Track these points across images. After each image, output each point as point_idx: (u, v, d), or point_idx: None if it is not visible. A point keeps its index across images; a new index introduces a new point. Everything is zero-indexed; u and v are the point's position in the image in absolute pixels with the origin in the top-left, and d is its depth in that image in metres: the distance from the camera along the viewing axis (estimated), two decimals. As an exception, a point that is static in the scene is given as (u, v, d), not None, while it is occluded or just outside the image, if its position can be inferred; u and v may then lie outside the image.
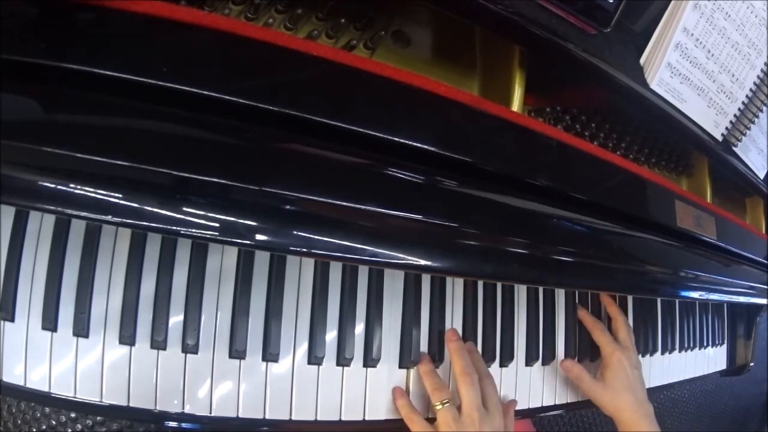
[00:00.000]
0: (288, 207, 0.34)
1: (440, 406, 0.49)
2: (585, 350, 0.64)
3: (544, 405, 0.60)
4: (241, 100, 0.33)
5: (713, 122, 0.58)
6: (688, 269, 0.59)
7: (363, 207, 0.36)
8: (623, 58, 0.49)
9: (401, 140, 0.38)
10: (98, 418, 0.71)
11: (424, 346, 0.52)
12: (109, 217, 0.30)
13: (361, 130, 0.37)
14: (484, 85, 0.54)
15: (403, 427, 0.50)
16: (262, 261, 0.46)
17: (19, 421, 0.69)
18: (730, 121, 0.60)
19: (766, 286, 0.73)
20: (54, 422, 0.70)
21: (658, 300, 0.76)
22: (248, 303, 0.45)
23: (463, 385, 0.49)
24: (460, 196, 0.41)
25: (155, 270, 0.43)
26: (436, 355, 0.53)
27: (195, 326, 0.43)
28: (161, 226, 0.31)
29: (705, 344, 0.85)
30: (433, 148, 0.40)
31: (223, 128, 0.33)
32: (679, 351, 0.80)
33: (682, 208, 0.59)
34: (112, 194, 0.30)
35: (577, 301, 0.65)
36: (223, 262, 0.45)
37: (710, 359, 0.87)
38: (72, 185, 0.29)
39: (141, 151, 0.31)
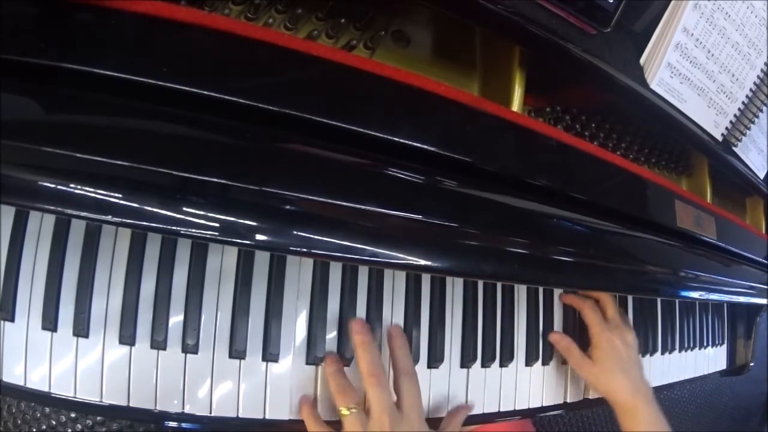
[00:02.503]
0: (288, 207, 0.34)
1: (346, 412, 0.44)
2: (584, 348, 0.64)
3: (544, 405, 0.60)
4: (241, 100, 0.33)
5: (713, 122, 0.58)
6: (688, 269, 0.59)
7: (363, 207, 0.36)
8: (623, 58, 0.49)
9: (401, 140, 0.38)
10: (98, 418, 0.71)
11: (424, 346, 0.52)
12: (109, 217, 0.30)
13: (361, 130, 0.37)
14: (484, 85, 0.54)
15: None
16: (262, 261, 0.46)
17: (19, 421, 0.69)
18: (730, 121, 0.60)
19: (766, 286, 0.73)
20: (54, 422, 0.70)
21: (658, 300, 0.76)
22: (248, 303, 0.45)
23: (369, 387, 0.44)
24: (460, 196, 0.41)
25: (155, 270, 0.43)
26: (437, 355, 0.53)
27: (195, 326, 0.43)
28: (161, 226, 0.31)
29: (705, 344, 0.85)
30: (433, 148, 0.40)
31: (223, 128, 0.33)
32: (679, 351, 0.80)
33: (682, 208, 0.59)
34: (112, 194, 0.30)
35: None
36: (223, 262, 0.45)
37: (710, 359, 0.87)
38: (72, 185, 0.29)
39: (141, 151, 0.31)
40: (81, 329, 0.41)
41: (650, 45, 0.51)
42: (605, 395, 0.57)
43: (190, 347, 0.43)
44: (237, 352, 0.44)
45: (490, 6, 0.39)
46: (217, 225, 0.32)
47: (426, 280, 0.53)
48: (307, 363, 0.47)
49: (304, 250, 0.35)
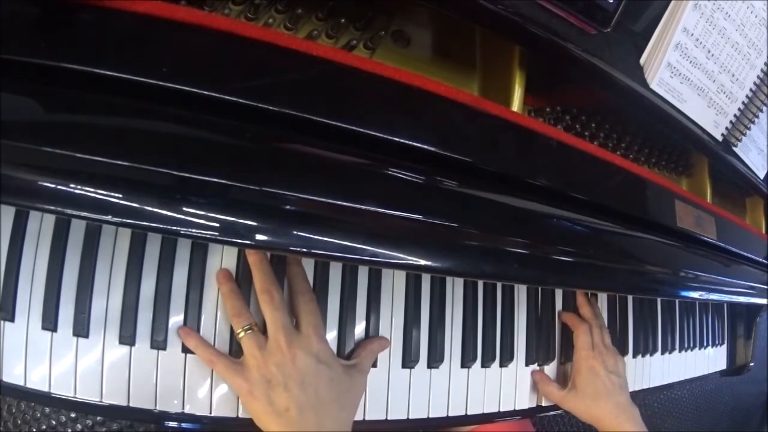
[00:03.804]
0: (288, 207, 0.34)
1: (243, 334, 0.42)
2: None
3: (544, 405, 0.60)
4: (241, 100, 0.33)
5: (713, 122, 0.58)
6: (688, 269, 0.59)
7: (363, 207, 0.36)
8: (623, 58, 0.49)
9: (401, 140, 0.38)
10: (98, 418, 0.71)
11: (424, 346, 0.52)
12: (109, 217, 0.30)
13: (361, 130, 0.37)
14: (484, 85, 0.54)
15: (405, 426, 0.50)
16: (262, 261, 0.46)
17: (19, 421, 0.69)
18: (730, 121, 0.60)
19: (766, 286, 0.73)
20: (54, 422, 0.70)
21: (658, 300, 0.76)
22: (248, 303, 0.45)
23: (263, 305, 0.42)
24: (460, 196, 0.41)
25: (155, 270, 0.43)
26: (437, 355, 0.53)
27: (195, 326, 0.43)
28: (161, 226, 0.31)
29: (705, 344, 0.85)
30: (433, 148, 0.40)
31: (223, 128, 0.33)
32: (679, 351, 0.80)
33: (682, 208, 0.59)
34: (112, 194, 0.30)
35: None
36: (223, 262, 0.45)
37: (710, 359, 0.87)
38: (72, 185, 0.29)
39: (141, 151, 0.31)
40: (81, 329, 0.41)
41: (650, 45, 0.51)
42: (592, 422, 0.57)
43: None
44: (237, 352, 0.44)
45: (490, 6, 0.39)
46: (217, 225, 0.32)
47: (426, 280, 0.53)
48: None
49: (304, 250, 0.35)
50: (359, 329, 0.49)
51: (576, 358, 0.58)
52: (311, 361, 0.41)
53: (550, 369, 0.61)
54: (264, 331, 0.43)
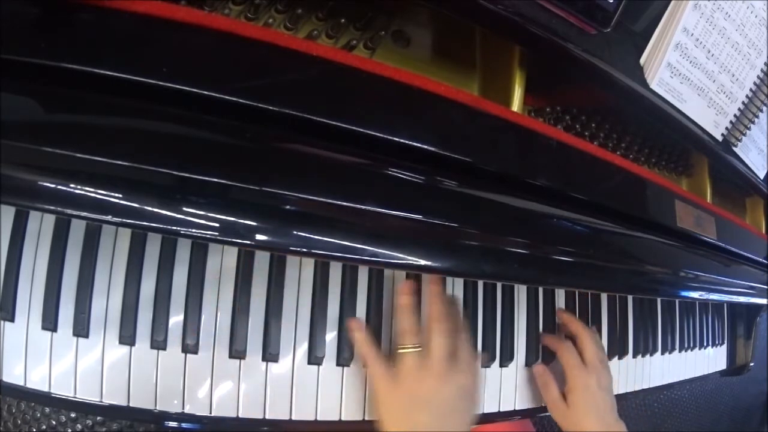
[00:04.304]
0: (288, 207, 0.34)
1: (411, 349, 0.45)
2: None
3: (543, 405, 0.60)
4: (241, 100, 0.33)
5: (713, 122, 0.58)
6: (688, 269, 0.59)
7: (363, 207, 0.36)
8: (623, 58, 0.49)
9: (401, 140, 0.38)
10: (98, 418, 0.71)
11: (424, 346, 0.52)
12: (109, 217, 0.30)
13: (361, 130, 0.37)
14: (484, 85, 0.54)
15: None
16: (262, 261, 0.46)
17: (19, 421, 0.69)
18: (730, 121, 0.60)
19: (766, 286, 0.73)
20: (54, 422, 0.70)
21: (658, 300, 0.76)
22: (248, 303, 0.45)
23: (434, 332, 0.45)
24: (460, 196, 0.41)
25: (155, 270, 0.43)
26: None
27: (195, 326, 0.43)
28: (161, 226, 0.31)
29: (705, 344, 0.85)
30: (433, 148, 0.40)
31: (223, 128, 0.33)
32: (679, 351, 0.80)
33: (682, 208, 0.59)
34: (112, 194, 0.30)
35: (576, 301, 0.65)
36: (223, 262, 0.45)
37: (710, 359, 0.87)
38: (72, 185, 0.29)
39: (141, 151, 0.31)
40: (81, 329, 0.41)
41: (650, 45, 0.51)
42: None
43: (190, 347, 0.43)
44: (237, 352, 0.44)
45: (490, 6, 0.39)
46: (217, 225, 0.32)
47: (426, 280, 0.53)
48: (308, 363, 0.47)
49: (304, 250, 0.35)
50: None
51: (568, 376, 0.57)
52: (457, 394, 0.45)
53: (551, 369, 0.61)
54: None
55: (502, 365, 0.57)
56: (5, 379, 0.40)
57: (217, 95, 0.33)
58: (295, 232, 0.35)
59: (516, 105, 0.48)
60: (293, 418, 0.46)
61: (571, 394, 0.56)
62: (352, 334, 0.47)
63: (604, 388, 0.56)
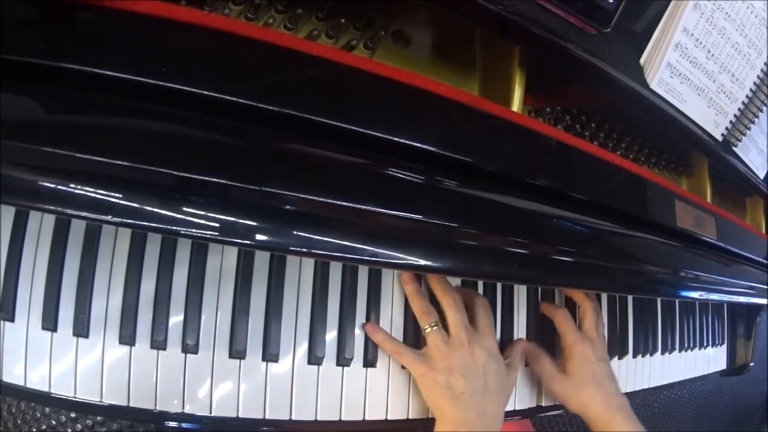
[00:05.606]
0: (288, 207, 0.34)
1: (429, 330, 0.48)
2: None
3: (544, 405, 0.60)
4: (241, 100, 0.33)
5: (713, 122, 0.58)
6: (688, 269, 0.59)
7: (363, 207, 0.36)
8: (623, 58, 0.49)
9: (401, 140, 0.38)
10: (98, 418, 0.71)
11: (424, 346, 0.52)
12: (109, 217, 0.30)
13: (361, 130, 0.37)
14: (484, 85, 0.54)
15: (403, 427, 0.50)
16: (262, 261, 0.46)
17: (19, 421, 0.69)
18: (730, 121, 0.60)
19: (766, 286, 0.73)
20: (54, 422, 0.70)
21: (658, 300, 0.76)
22: (248, 303, 0.45)
23: (446, 306, 0.49)
24: (460, 196, 0.41)
25: (155, 270, 0.43)
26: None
27: (195, 326, 0.43)
28: (161, 226, 0.31)
29: (705, 344, 0.85)
30: (433, 148, 0.40)
31: (223, 128, 0.33)
32: (679, 351, 0.80)
33: (682, 208, 0.59)
34: (112, 194, 0.30)
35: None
36: (223, 262, 0.45)
37: (710, 359, 0.87)
38: (72, 185, 0.29)
39: (141, 151, 0.31)
40: (81, 329, 0.41)
41: (650, 45, 0.51)
42: (579, 411, 0.55)
43: (190, 347, 0.43)
44: (237, 352, 0.44)
45: (490, 6, 0.39)
46: (217, 225, 0.32)
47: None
48: (309, 363, 0.47)
49: (304, 250, 0.35)
50: (359, 329, 0.49)
51: (565, 344, 0.56)
52: (485, 355, 0.48)
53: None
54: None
55: (502, 365, 0.57)
56: (5, 379, 0.40)
57: (216, 95, 0.33)
58: (295, 232, 0.35)
59: (516, 105, 0.48)
60: (293, 418, 0.46)
61: (569, 362, 0.55)
62: (374, 336, 0.49)
63: (602, 359, 0.56)
